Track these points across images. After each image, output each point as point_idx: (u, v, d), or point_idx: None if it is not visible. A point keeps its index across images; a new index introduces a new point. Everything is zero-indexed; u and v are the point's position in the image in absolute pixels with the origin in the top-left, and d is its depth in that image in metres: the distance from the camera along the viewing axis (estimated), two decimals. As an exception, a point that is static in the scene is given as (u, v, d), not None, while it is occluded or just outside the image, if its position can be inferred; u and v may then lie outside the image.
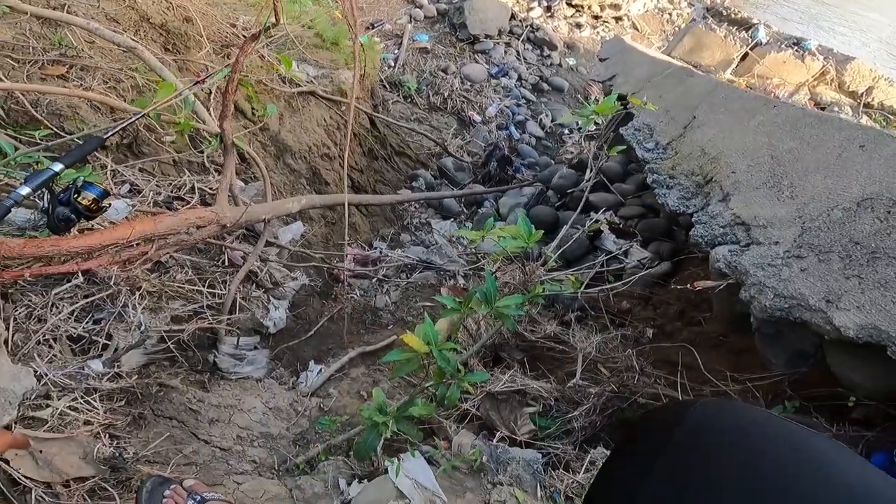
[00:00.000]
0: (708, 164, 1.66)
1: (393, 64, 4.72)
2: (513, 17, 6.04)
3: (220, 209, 1.71)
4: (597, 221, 3.37)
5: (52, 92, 1.57)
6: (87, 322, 1.46)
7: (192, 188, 1.97)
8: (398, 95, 4.44)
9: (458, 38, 5.47)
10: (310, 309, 2.35)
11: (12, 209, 1.26)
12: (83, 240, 1.38)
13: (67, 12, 1.79)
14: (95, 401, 1.32)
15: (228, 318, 1.89)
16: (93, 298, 1.46)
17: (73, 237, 1.38)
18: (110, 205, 1.47)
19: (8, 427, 1.14)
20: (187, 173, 2.01)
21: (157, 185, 1.88)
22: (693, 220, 1.50)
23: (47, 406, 1.25)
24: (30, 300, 1.40)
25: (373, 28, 5.08)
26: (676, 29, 7.28)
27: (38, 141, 1.56)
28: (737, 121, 1.77)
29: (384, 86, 4.26)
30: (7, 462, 1.10)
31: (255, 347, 2.03)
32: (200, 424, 1.54)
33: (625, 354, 1.67)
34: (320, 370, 2.03)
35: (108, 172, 1.74)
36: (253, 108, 2.36)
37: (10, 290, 1.38)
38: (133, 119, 1.51)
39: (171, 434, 1.40)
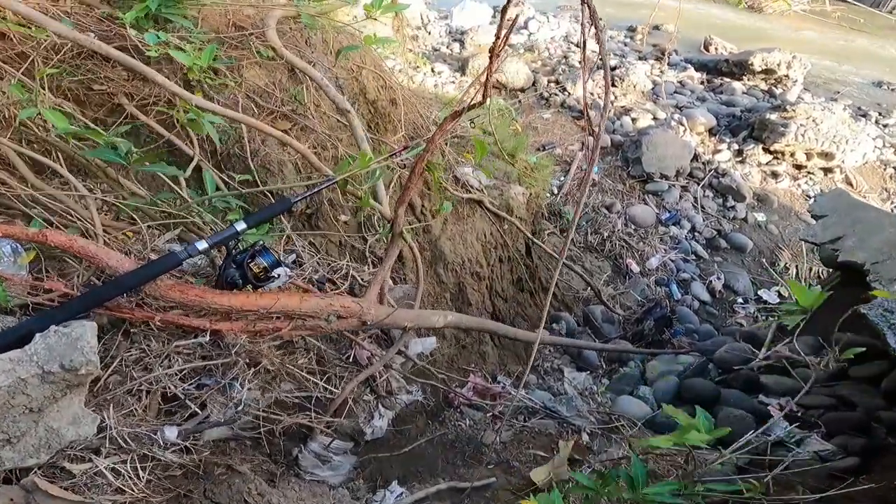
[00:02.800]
0: None
1: (556, 192, 4.94)
2: (695, 157, 5.93)
3: (367, 304, 1.77)
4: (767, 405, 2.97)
5: (271, 133, 1.85)
6: (190, 384, 1.50)
7: (347, 274, 2.13)
8: (555, 227, 4.56)
9: (629, 174, 5.59)
10: (413, 426, 2.32)
11: (184, 262, 1.43)
12: (227, 298, 1.46)
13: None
14: (145, 470, 1.28)
15: (329, 421, 1.88)
16: (209, 363, 1.52)
17: (218, 293, 1.47)
18: (279, 276, 1.61)
19: (29, 469, 1.13)
20: (347, 258, 2.19)
21: (317, 263, 2.06)
22: None
23: (89, 461, 1.22)
24: (148, 345, 1.48)
25: (543, 150, 5.50)
26: (899, 185, 6.53)
27: (237, 187, 1.84)
28: None
29: (543, 215, 4.42)
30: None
31: (346, 452, 2.00)
32: (247, 524, 1.45)
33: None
34: (401, 495, 1.92)
35: (284, 238, 1.96)
36: (423, 206, 2.56)
37: (133, 330, 1.48)
38: (321, 187, 1.70)
39: (207, 527, 1.30)
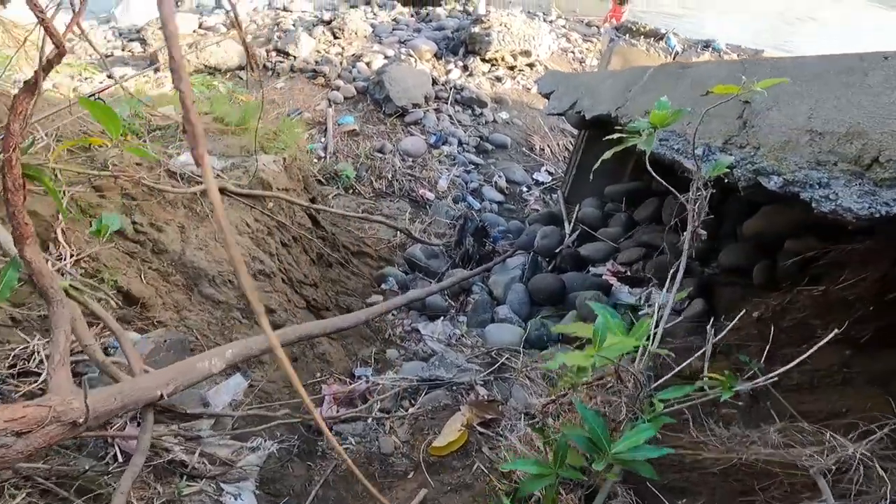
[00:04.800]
0: (843, 143, 1.22)
1: (323, 154, 4.30)
2: (434, 82, 6.04)
3: (59, 399, 0.94)
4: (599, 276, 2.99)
5: None
6: None
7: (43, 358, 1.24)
8: (338, 188, 3.98)
9: (385, 114, 5.25)
10: (291, 479, 1.66)
11: None
12: None
13: None
14: None
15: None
16: None
17: None
18: None
19: None
20: (37, 335, 1.28)
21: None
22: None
23: None
24: None
25: (290, 118, 4.72)
26: (581, 65, 7.81)
27: None
28: (830, 86, 1.38)
29: (319, 180, 3.78)
30: None
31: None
32: None
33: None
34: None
35: None
36: (136, 224, 1.70)
37: None
38: None
39: None
